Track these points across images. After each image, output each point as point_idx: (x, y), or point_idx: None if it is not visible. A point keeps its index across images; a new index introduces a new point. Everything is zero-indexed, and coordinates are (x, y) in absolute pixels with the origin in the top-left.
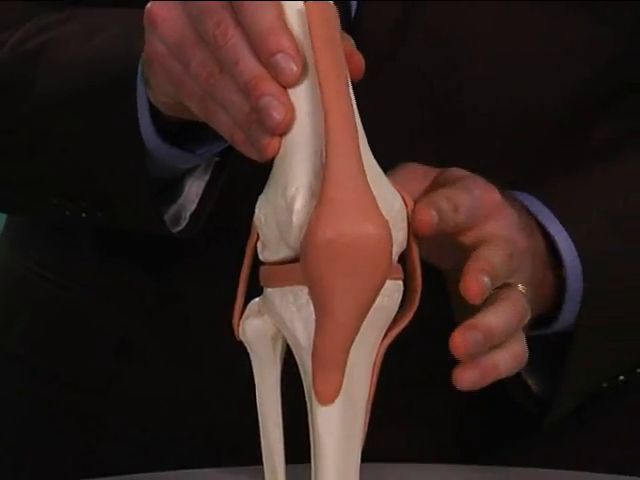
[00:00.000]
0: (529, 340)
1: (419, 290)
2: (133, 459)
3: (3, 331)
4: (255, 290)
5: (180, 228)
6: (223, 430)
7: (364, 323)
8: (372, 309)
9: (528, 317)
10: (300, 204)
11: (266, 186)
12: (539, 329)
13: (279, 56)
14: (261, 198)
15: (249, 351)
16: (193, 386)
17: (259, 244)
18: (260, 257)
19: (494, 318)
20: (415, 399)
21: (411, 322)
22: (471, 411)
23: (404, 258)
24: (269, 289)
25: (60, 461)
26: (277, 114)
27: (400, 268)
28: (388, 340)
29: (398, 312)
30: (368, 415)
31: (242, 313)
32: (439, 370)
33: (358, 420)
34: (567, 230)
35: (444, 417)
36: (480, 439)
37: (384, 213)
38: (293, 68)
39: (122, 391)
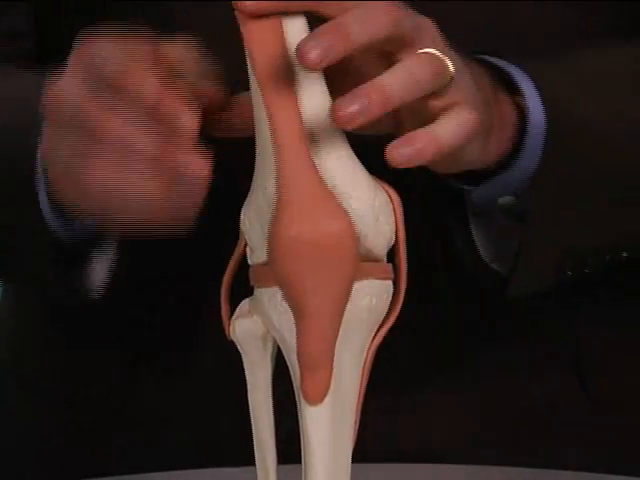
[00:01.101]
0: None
1: (403, 287)
2: (133, 460)
3: (17, 350)
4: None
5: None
6: (223, 430)
7: (352, 324)
8: (360, 310)
9: (448, 73)
10: None
11: (249, 192)
12: (503, 170)
13: (174, 120)
14: (245, 203)
15: (240, 351)
16: (193, 387)
17: (248, 249)
18: (249, 261)
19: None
20: (408, 397)
21: (399, 320)
22: (464, 411)
23: (394, 260)
24: (258, 289)
25: (60, 463)
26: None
27: (390, 268)
28: (378, 339)
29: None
30: (359, 415)
31: (230, 316)
32: (431, 368)
33: (348, 420)
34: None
35: (437, 416)
36: (474, 438)
37: (359, 207)
38: (187, 125)
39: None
